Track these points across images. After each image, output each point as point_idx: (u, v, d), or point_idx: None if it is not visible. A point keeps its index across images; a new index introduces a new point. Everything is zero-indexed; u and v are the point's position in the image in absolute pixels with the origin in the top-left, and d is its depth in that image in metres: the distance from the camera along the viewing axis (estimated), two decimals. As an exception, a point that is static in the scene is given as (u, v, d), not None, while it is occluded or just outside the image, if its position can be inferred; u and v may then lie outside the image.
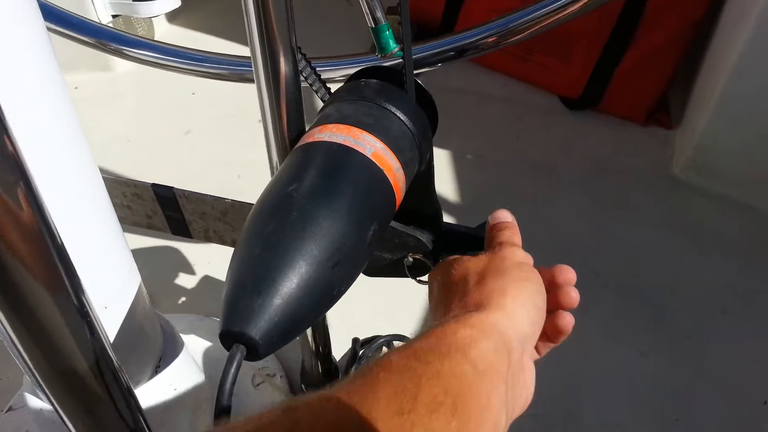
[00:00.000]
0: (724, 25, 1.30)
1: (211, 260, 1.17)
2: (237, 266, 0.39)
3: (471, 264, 0.46)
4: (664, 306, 1.14)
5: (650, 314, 1.12)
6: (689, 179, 1.34)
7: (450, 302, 0.44)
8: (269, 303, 0.37)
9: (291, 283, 0.38)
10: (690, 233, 1.26)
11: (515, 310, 0.41)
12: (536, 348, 0.48)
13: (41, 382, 0.40)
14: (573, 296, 0.47)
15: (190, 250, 1.19)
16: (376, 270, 0.60)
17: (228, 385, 0.36)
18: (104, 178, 0.59)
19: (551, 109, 1.53)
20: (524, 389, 0.42)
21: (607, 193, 1.35)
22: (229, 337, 0.37)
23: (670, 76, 1.40)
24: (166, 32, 1.78)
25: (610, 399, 1.00)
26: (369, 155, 0.44)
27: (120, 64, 1.61)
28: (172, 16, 1.80)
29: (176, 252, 1.19)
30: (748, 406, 1.00)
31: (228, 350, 0.37)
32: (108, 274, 0.59)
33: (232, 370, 0.36)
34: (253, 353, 0.37)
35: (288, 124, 0.50)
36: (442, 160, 1.38)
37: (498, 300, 0.41)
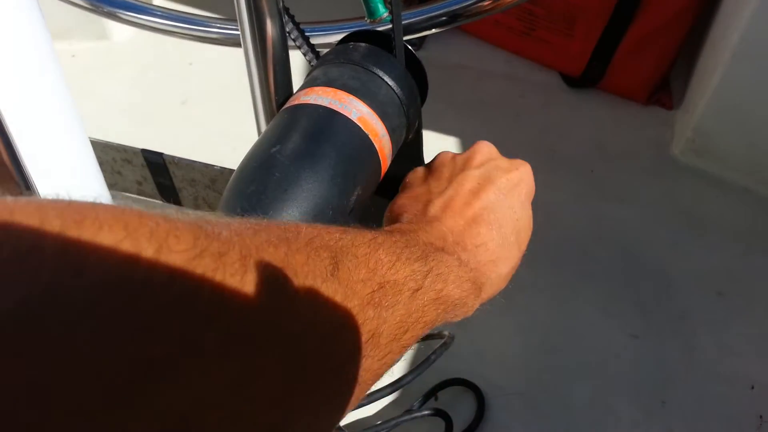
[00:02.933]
0: (726, 5, 1.28)
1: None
2: (217, 226, 0.39)
3: (433, 184, 0.47)
4: (658, 288, 1.14)
5: (644, 296, 1.12)
6: (688, 161, 1.33)
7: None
8: (248, 264, 0.37)
9: (271, 244, 0.38)
10: (687, 215, 1.25)
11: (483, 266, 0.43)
12: None
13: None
14: None
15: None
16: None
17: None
18: (94, 143, 0.58)
19: (552, 86, 1.51)
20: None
21: (606, 172, 1.34)
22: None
23: (672, 55, 1.39)
24: (161, 4, 1.76)
25: (598, 381, 1.00)
26: (355, 119, 0.43)
27: (116, 33, 1.59)
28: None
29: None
30: (736, 391, 1.00)
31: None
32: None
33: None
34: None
35: (275, 87, 0.49)
36: (437, 137, 1.36)
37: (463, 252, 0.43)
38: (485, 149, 0.49)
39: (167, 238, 0.20)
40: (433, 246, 0.38)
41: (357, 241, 0.31)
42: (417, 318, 0.33)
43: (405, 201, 0.44)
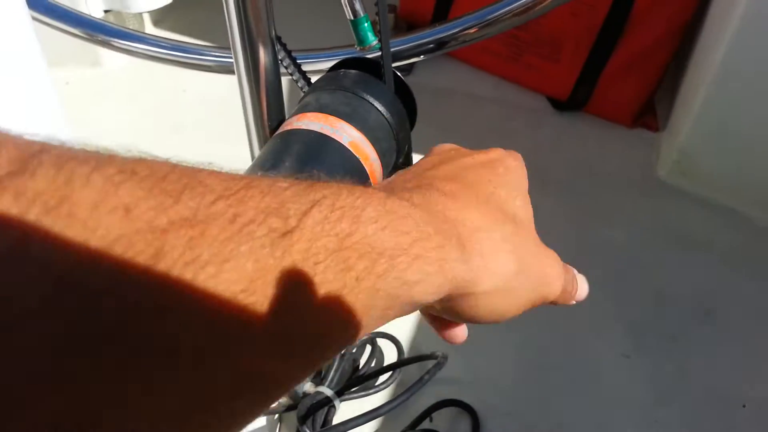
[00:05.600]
0: (708, 28, 1.32)
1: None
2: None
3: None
4: (648, 308, 1.15)
5: (633, 316, 1.13)
6: (674, 182, 1.35)
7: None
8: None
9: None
10: (674, 236, 1.27)
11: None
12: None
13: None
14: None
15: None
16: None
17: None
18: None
19: (539, 109, 1.54)
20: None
21: (593, 194, 1.36)
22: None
23: (657, 78, 1.42)
24: (153, 33, 1.78)
25: (592, 400, 1.01)
26: (346, 144, 0.45)
27: (109, 60, 1.61)
28: (159, 20, 1.80)
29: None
30: (728, 409, 1.01)
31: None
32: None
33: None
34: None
35: (268, 112, 0.50)
36: (430, 159, 1.38)
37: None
38: (446, 145, 0.37)
39: None
40: (346, 188, 0.24)
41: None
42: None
43: None
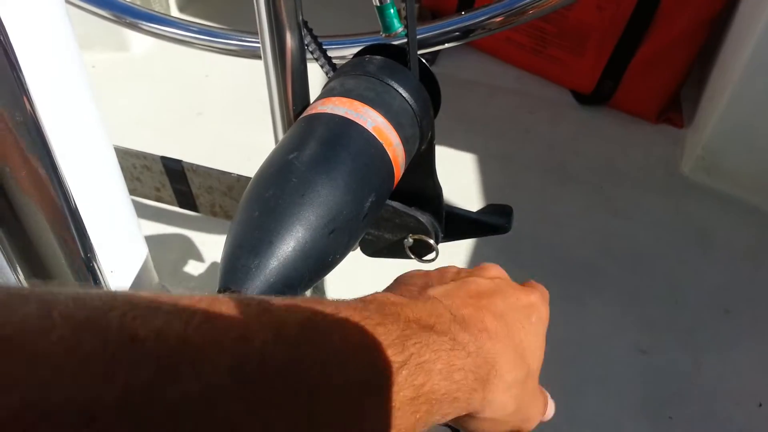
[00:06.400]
0: (737, 24, 1.30)
1: (217, 237, 1.18)
2: (236, 228, 0.40)
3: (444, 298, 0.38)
4: (667, 305, 1.14)
5: (652, 312, 1.13)
6: (698, 179, 1.34)
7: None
8: (266, 264, 0.38)
9: (288, 246, 0.39)
10: (696, 233, 1.26)
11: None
12: None
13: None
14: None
15: (197, 226, 1.21)
16: (378, 250, 0.61)
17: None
18: (115, 149, 0.60)
19: (563, 103, 1.53)
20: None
21: (615, 190, 1.35)
22: (225, 295, 0.38)
23: (682, 74, 1.40)
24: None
25: (606, 395, 1.01)
26: (370, 129, 0.45)
27: (136, 44, 1.63)
28: (184, 6, 1.81)
29: (184, 228, 1.20)
30: (743, 408, 1.00)
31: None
32: (115, 238, 0.60)
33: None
34: (249, 312, 0.38)
35: (293, 97, 0.51)
36: (448, 152, 1.38)
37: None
38: (495, 269, 0.41)
39: None
40: (418, 324, 0.30)
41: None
42: (384, 429, 0.26)
43: (396, 289, 0.38)
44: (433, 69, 0.51)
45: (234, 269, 0.38)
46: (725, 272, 1.19)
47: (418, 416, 0.28)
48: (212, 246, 1.18)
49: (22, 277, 0.37)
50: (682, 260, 1.21)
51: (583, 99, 1.51)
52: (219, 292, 0.38)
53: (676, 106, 1.47)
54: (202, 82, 1.58)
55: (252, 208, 0.40)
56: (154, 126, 1.47)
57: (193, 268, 1.15)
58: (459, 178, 1.34)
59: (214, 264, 1.15)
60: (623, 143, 1.45)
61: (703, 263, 1.21)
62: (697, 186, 1.34)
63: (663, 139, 1.45)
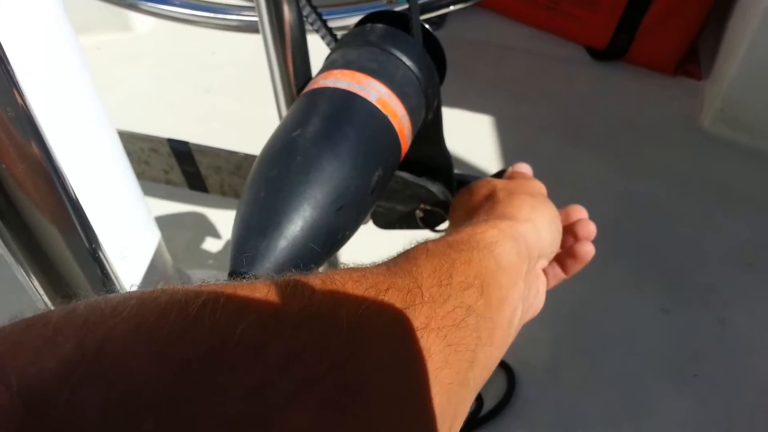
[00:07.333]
0: (757, -30, 1.25)
1: (229, 213, 1.18)
2: (244, 209, 0.40)
3: (498, 182, 0.50)
4: (689, 262, 1.12)
5: (674, 270, 1.11)
6: (718, 132, 1.31)
7: (478, 214, 0.46)
8: (275, 245, 0.38)
9: (296, 226, 0.38)
10: (716, 187, 1.23)
11: (541, 225, 0.44)
12: (547, 275, 0.50)
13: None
14: (591, 228, 0.51)
15: (209, 203, 1.21)
16: (389, 222, 0.60)
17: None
18: (121, 134, 0.60)
19: (577, 61, 1.49)
20: (537, 296, 0.45)
21: (633, 146, 1.32)
22: (236, 278, 0.37)
23: (700, 24, 1.36)
24: None
25: (629, 355, 1.00)
26: (373, 101, 0.44)
27: (139, 24, 1.61)
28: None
29: (195, 208, 1.20)
30: (769, 361, 0.99)
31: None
32: (124, 225, 0.60)
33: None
34: (260, 293, 0.37)
35: (294, 71, 0.49)
36: (461, 116, 1.36)
37: (527, 213, 0.44)
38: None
39: None
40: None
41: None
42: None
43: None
44: (442, 32, 0.49)
45: (243, 251, 0.38)
46: (747, 226, 1.17)
47: (521, 315, 0.41)
48: (225, 224, 1.18)
49: (31, 275, 0.37)
50: (703, 216, 1.19)
51: (597, 55, 1.47)
52: (229, 275, 0.38)
53: (694, 58, 1.43)
54: (208, 60, 1.56)
55: (258, 188, 0.40)
56: (163, 105, 1.46)
57: (209, 245, 1.15)
58: (473, 143, 1.32)
59: (228, 241, 1.15)
60: (640, 99, 1.41)
61: (724, 218, 1.18)
62: (716, 139, 1.30)
63: (681, 92, 1.41)
